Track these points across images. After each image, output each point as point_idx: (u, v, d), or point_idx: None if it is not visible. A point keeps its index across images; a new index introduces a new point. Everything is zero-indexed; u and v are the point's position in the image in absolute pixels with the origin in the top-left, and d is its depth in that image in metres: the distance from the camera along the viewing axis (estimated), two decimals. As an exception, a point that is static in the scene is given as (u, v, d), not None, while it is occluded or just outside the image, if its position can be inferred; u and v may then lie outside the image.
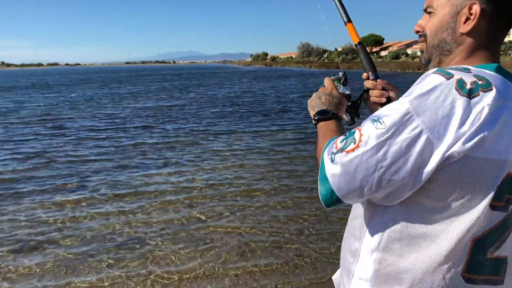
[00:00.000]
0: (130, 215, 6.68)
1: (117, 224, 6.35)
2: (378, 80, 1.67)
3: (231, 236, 5.83)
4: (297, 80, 46.91)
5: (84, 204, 7.25)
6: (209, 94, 29.85)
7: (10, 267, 5.09)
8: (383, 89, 1.66)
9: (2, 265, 5.12)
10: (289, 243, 5.57)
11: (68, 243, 5.72)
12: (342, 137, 1.25)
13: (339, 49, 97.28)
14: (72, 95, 31.75)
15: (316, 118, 1.55)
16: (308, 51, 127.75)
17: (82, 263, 5.13)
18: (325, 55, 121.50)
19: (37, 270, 5.01)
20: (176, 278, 4.74)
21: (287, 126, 14.96)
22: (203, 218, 6.50)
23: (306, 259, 5.12)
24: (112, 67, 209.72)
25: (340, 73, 1.69)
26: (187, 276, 4.79)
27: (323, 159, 1.27)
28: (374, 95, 1.67)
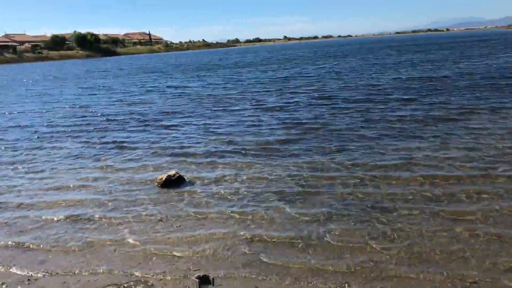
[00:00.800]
0: (373, 185, 6.63)
1: (357, 192, 6.40)
2: None
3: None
4: None
5: (340, 170, 7.57)
6: (482, 65, 26.45)
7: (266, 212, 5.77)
8: None
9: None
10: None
11: (297, 204, 6.09)
12: None
13: None
14: (326, 66, 33.24)
15: None
16: None
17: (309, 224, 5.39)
18: None
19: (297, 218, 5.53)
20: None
21: None
22: (448, 209, 5.89)
23: None
24: (381, 38, 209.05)
25: None
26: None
27: None
28: None
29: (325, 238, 5.17)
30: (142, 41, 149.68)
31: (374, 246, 4.90)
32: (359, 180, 7.06)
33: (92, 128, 13.43)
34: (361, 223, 5.51)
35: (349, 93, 17.24)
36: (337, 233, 5.29)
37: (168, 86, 26.02)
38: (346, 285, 4.21)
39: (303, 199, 6.47)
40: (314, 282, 4.29)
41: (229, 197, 6.76)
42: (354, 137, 10.00)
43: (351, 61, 38.67)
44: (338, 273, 4.42)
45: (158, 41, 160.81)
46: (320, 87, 19.99)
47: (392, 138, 9.63)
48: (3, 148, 11.48)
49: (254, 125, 12.20)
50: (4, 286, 4.63)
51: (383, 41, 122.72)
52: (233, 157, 9.05)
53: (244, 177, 7.63)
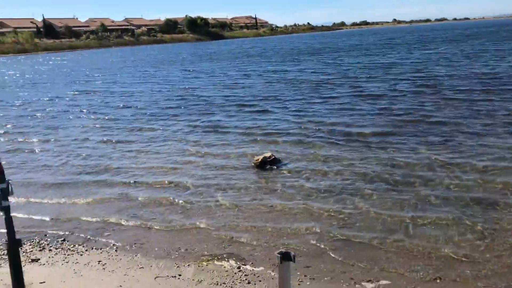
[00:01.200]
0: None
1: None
2: None
3: None
4: None
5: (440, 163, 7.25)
6: None
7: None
8: None
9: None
10: None
11: (382, 204, 5.75)
12: None
13: None
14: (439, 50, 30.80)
15: None
16: None
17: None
18: None
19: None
20: None
21: None
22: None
23: None
24: (504, 20, 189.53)
25: None
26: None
27: None
28: None
29: (405, 243, 4.84)
30: (248, 25, 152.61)
31: (463, 257, 4.47)
32: (456, 182, 6.49)
33: (191, 111, 14.03)
34: (450, 231, 5.05)
35: (458, 82, 15.93)
36: (420, 239, 4.91)
37: (267, 71, 26.22)
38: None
39: (388, 198, 6.12)
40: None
41: (312, 190, 6.64)
42: (457, 132, 9.22)
43: (465, 46, 35.57)
44: (417, 282, 4.11)
45: (264, 25, 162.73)
46: (426, 74, 18.74)
47: (501, 135, 8.71)
48: (106, 126, 12.52)
49: (350, 114, 11.82)
50: (115, 247, 5.24)
51: (506, 24, 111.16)
52: (324, 146, 8.91)
53: (331, 169, 7.44)
